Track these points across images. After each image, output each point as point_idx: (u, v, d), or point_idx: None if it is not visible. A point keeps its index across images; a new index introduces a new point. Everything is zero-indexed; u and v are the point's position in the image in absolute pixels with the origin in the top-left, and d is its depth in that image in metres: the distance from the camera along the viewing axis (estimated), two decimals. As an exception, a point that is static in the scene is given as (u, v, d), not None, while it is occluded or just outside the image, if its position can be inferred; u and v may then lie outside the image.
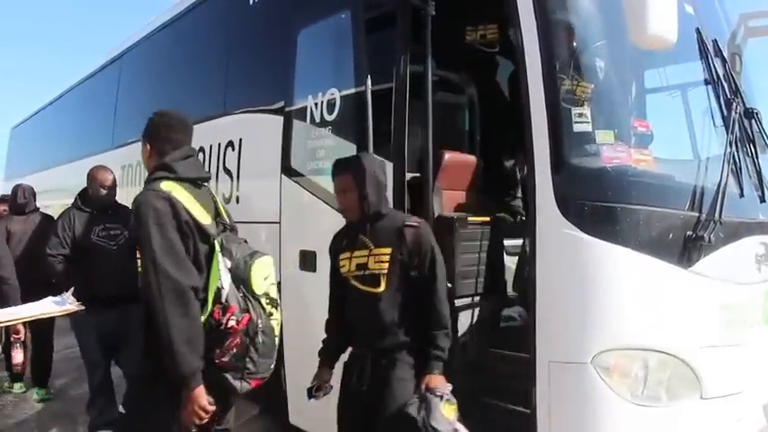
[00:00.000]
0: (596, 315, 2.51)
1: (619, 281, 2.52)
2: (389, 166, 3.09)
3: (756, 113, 3.07)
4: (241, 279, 2.35)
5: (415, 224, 2.60)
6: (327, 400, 2.74)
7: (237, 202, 4.30)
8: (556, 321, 2.57)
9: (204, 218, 2.40)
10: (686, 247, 2.61)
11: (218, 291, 2.31)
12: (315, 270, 3.39)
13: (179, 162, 2.46)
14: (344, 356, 2.77)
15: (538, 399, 2.58)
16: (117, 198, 4.21)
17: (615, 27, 2.72)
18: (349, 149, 3.23)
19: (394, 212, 2.74)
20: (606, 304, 2.51)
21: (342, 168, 2.70)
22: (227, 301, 2.29)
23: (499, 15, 3.50)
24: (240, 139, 4.29)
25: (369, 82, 3.07)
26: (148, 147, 2.55)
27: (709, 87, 2.98)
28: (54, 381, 5.45)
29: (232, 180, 4.34)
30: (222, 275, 2.32)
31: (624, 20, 2.50)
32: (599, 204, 2.56)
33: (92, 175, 4.12)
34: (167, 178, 2.41)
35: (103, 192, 4.07)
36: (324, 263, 3.35)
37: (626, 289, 2.53)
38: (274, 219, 3.71)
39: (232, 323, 2.26)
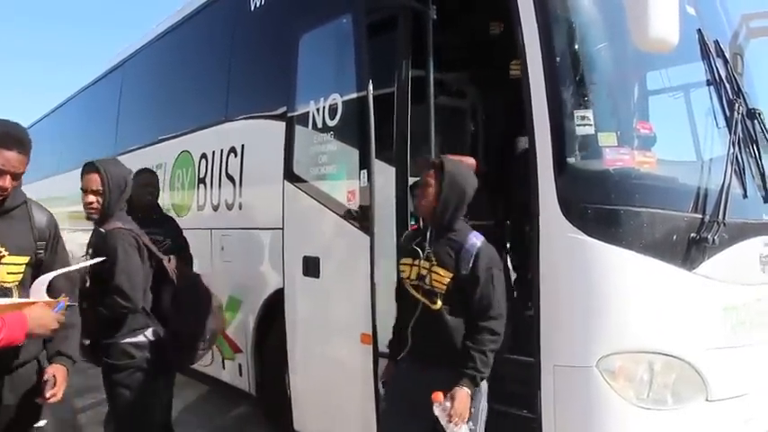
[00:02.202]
0: (601, 318, 2.51)
1: (623, 284, 2.51)
2: (392, 171, 3.10)
3: (759, 114, 3.06)
4: None
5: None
6: (330, 407, 2.73)
7: (240, 208, 4.30)
8: (560, 325, 2.56)
9: None
10: (690, 249, 2.60)
11: None
12: (318, 276, 3.39)
13: None
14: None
15: (543, 403, 2.58)
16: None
17: (617, 29, 2.71)
18: (351, 154, 3.23)
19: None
20: (610, 307, 2.51)
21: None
22: None
23: (501, 19, 3.50)
24: (242, 146, 4.30)
25: (371, 87, 3.06)
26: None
27: (712, 88, 2.97)
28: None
29: (235, 186, 4.34)
30: None
31: (626, 22, 2.49)
32: (602, 207, 2.56)
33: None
34: None
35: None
36: (326, 269, 3.36)
37: (630, 292, 2.52)
38: (277, 225, 3.70)
39: None
